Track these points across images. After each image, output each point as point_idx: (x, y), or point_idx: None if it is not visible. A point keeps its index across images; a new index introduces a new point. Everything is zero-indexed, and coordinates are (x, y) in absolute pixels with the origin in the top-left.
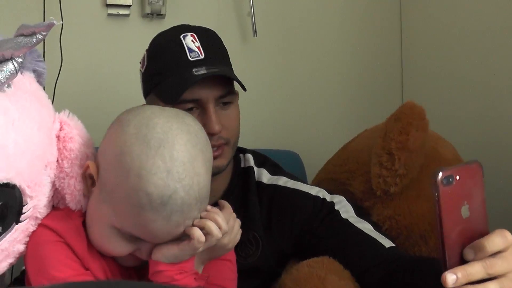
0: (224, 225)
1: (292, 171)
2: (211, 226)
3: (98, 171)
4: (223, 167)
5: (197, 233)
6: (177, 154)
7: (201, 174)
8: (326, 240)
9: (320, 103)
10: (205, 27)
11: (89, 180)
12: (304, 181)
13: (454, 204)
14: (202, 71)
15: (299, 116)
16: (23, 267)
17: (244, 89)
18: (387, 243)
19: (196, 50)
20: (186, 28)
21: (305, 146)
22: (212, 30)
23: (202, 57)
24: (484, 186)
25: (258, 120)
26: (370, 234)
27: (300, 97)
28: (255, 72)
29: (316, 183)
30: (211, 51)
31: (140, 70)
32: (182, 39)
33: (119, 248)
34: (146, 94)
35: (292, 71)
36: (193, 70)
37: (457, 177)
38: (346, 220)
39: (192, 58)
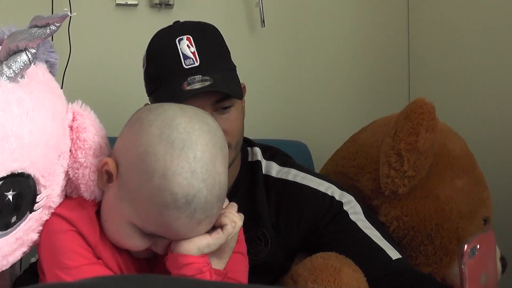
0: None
1: (300, 161)
2: (233, 217)
3: (118, 169)
4: None
5: (228, 220)
6: (200, 154)
7: (221, 172)
8: (332, 243)
9: (328, 94)
10: (203, 24)
11: (105, 176)
12: (314, 172)
13: (476, 273)
14: (196, 83)
15: (307, 107)
16: (32, 259)
17: (240, 98)
18: (395, 254)
19: (191, 56)
20: (182, 30)
21: (313, 136)
22: (212, 27)
23: (197, 64)
24: (496, 252)
25: (266, 110)
26: (378, 243)
27: (308, 87)
28: (262, 63)
29: (324, 175)
30: (207, 56)
31: (142, 69)
32: (178, 43)
33: (137, 243)
34: (148, 94)
35: (300, 62)
36: (188, 79)
37: (478, 247)
38: (355, 224)
39: (186, 65)
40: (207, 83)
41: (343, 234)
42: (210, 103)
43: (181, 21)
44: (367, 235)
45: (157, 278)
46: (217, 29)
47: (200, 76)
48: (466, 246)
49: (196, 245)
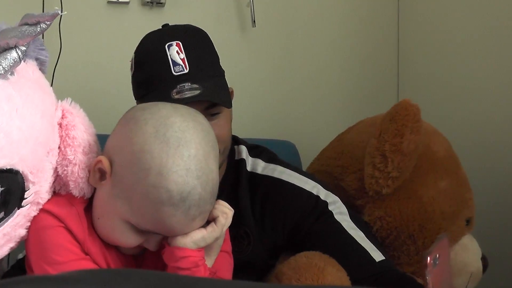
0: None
1: (288, 161)
2: (223, 208)
3: (112, 167)
4: None
5: (219, 212)
6: (194, 152)
7: (214, 170)
8: (317, 243)
9: (318, 94)
10: (193, 29)
11: (97, 174)
12: (300, 170)
13: (439, 281)
14: (185, 91)
15: (296, 107)
16: (19, 255)
17: (228, 107)
18: (378, 255)
19: (181, 63)
20: (172, 35)
21: (302, 136)
22: (201, 31)
23: (186, 71)
24: (449, 256)
25: (255, 110)
26: (362, 244)
27: (297, 87)
28: (253, 63)
29: (310, 174)
30: (196, 63)
31: (130, 72)
32: (167, 49)
33: (129, 240)
34: (136, 98)
35: (290, 62)
36: (178, 86)
37: (438, 256)
38: (340, 224)
39: (176, 72)
40: (197, 92)
41: (327, 234)
42: (199, 110)
43: (170, 23)
44: (351, 235)
45: (139, 273)
46: (207, 33)
47: (189, 83)
48: (429, 258)
49: (192, 239)
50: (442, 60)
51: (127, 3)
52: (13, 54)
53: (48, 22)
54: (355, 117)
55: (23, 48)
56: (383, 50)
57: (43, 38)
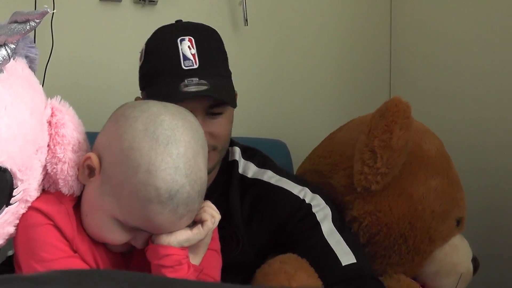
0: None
1: (279, 160)
2: (212, 211)
3: (101, 163)
4: (209, 170)
5: (208, 215)
6: (183, 150)
7: (202, 169)
8: (296, 245)
9: (309, 94)
10: (206, 27)
11: (86, 170)
12: (290, 174)
13: None
14: (192, 86)
15: (288, 106)
16: (9, 253)
17: (234, 106)
18: (348, 259)
19: (191, 58)
20: (185, 29)
21: (293, 135)
22: (214, 31)
23: (195, 66)
24: None
25: (247, 109)
26: (334, 248)
27: (289, 87)
28: (245, 62)
29: (301, 173)
30: (206, 60)
31: (139, 63)
32: (179, 43)
33: (117, 237)
34: (141, 89)
35: (282, 61)
36: (186, 80)
37: None
38: (319, 226)
39: (185, 66)
40: (204, 87)
41: (304, 236)
42: (203, 107)
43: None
44: (325, 240)
45: (112, 273)
46: (218, 33)
47: (198, 79)
48: None
49: (177, 239)
50: (434, 60)
51: (119, 1)
52: (2, 52)
53: (38, 20)
54: (347, 117)
55: (13, 46)
56: (375, 49)
57: (34, 35)
